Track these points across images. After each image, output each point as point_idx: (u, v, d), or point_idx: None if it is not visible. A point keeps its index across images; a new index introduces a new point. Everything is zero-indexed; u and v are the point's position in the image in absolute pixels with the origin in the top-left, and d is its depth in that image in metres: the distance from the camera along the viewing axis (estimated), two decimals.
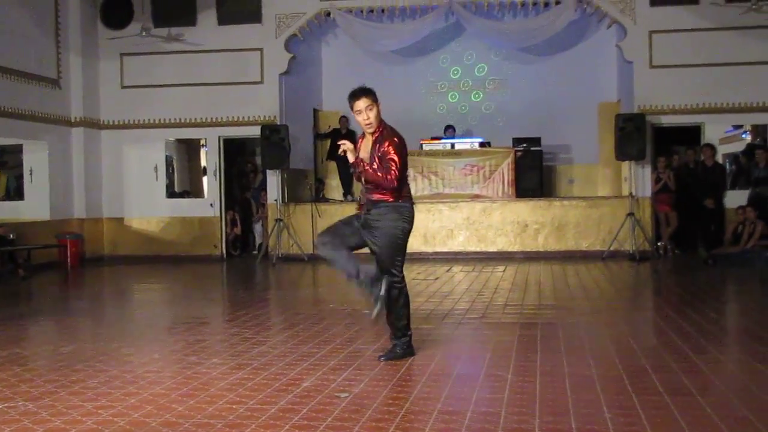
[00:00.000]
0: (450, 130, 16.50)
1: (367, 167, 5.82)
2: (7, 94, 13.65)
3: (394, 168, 5.76)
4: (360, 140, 6.19)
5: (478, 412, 4.62)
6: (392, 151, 5.79)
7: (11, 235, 12.86)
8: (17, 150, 15.57)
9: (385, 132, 5.91)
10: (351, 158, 5.91)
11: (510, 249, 14.69)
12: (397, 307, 6.01)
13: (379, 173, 5.77)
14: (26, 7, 14.25)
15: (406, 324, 6.11)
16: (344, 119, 16.78)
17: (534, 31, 15.72)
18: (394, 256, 5.92)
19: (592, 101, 16.50)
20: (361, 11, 15.51)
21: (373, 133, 5.93)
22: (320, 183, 17.25)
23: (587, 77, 16.62)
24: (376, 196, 5.92)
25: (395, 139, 5.87)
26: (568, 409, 4.64)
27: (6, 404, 4.97)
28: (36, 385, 5.47)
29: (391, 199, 5.88)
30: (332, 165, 17.21)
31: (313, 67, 17.29)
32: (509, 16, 16.41)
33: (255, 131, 15.19)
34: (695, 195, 14.37)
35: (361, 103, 5.87)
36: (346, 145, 5.92)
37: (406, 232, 5.97)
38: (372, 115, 5.87)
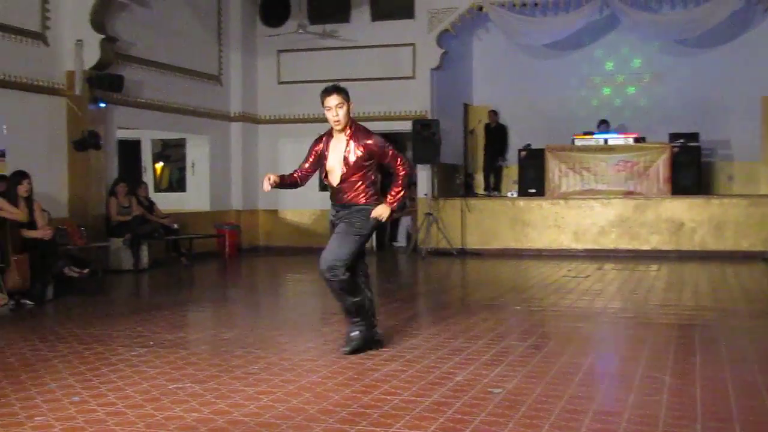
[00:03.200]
0: (603, 125, 16.11)
1: (398, 190, 6.10)
2: (174, 90, 14.37)
3: (401, 160, 6.06)
4: (326, 140, 6.18)
5: (635, 413, 4.51)
6: (387, 151, 6.03)
7: (175, 225, 13.50)
8: (180, 144, 16.41)
9: (359, 131, 6.02)
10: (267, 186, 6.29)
11: (664, 248, 14.21)
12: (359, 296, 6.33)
13: (401, 182, 6.06)
14: (191, 8, 14.95)
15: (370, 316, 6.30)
16: (493, 113, 16.70)
17: (694, 22, 15.17)
18: (351, 246, 6.13)
19: (755, 95, 15.75)
20: (514, 5, 15.39)
21: (342, 131, 6.01)
22: (470, 178, 17.23)
23: (750, 70, 15.84)
24: (349, 197, 6.11)
25: (375, 137, 6.03)
26: (732, 416, 4.47)
27: (175, 385, 5.24)
28: (200, 368, 5.74)
29: (363, 201, 6.06)
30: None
31: (464, 62, 17.28)
32: (667, 7, 15.86)
33: (406, 126, 15.33)
34: None
35: (332, 100, 5.92)
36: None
37: (372, 230, 6.15)
38: (341, 113, 5.91)
